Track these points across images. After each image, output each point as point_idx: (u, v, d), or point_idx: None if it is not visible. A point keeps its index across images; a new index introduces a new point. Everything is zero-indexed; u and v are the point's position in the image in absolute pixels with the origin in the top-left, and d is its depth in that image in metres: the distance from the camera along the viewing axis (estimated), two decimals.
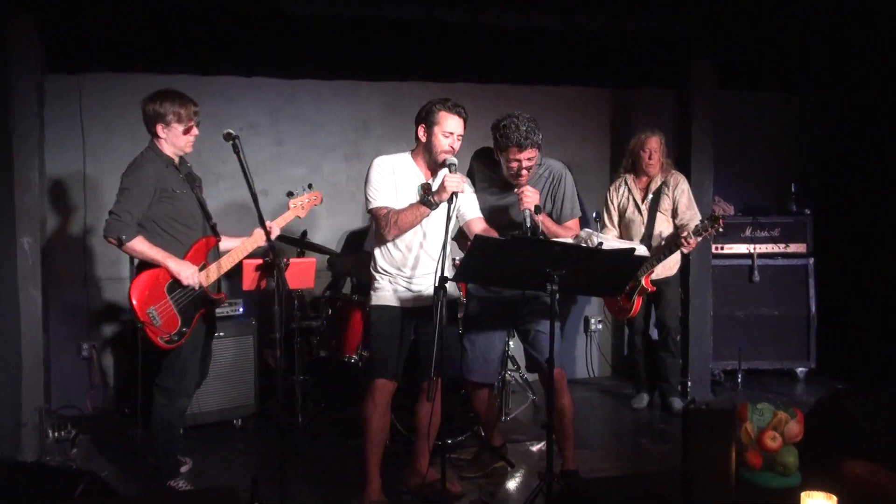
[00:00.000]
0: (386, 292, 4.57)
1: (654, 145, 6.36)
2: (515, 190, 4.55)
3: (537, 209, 4.50)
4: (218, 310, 5.94)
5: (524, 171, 4.56)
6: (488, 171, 4.81)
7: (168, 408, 4.71)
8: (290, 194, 4.99)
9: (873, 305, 7.36)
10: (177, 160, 4.69)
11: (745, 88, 7.80)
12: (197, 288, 4.62)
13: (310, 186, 5.06)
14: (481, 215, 4.70)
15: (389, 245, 4.54)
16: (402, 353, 4.57)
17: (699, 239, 5.79)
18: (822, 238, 7.62)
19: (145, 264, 4.52)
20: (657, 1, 6.15)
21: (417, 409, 4.77)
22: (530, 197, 4.45)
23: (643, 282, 5.93)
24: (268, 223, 4.53)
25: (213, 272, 4.72)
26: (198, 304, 4.67)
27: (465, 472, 5.21)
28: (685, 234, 5.75)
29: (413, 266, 4.54)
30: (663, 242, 6.12)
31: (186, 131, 4.64)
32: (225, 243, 4.88)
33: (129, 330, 6.48)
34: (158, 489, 4.71)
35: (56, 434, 5.59)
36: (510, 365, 6.45)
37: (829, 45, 6.76)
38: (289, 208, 4.95)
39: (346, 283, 6.78)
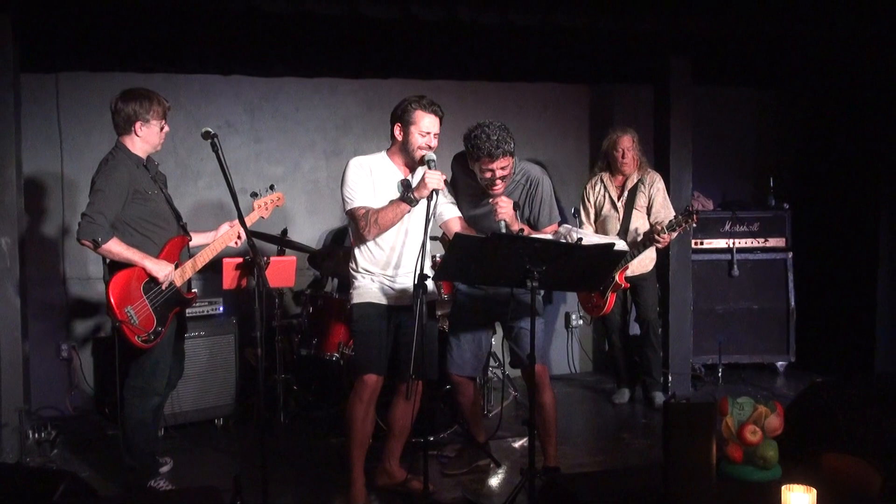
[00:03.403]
0: (368, 290, 4.54)
1: (626, 144, 6.38)
2: (490, 200, 4.53)
3: (515, 204, 4.51)
4: (198, 309, 5.98)
5: (498, 181, 4.54)
6: (467, 178, 4.77)
7: (140, 407, 4.71)
8: (255, 195, 5.08)
9: (852, 299, 7.42)
10: (145, 159, 4.69)
11: (722, 84, 7.85)
12: (178, 285, 4.63)
13: (272, 188, 5.12)
14: (460, 214, 4.69)
15: (370, 244, 4.51)
16: (386, 349, 4.56)
17: (674, 234, 5.82)
18: (801, 232, 7.67)
19: (119, 264, 4.50)
20: None
21: (393, 408, 4.76)
22: (504, 208, 4.44)
23: (617, 278, 5.94)
24: (235, 223, 4.69)
25: (188, 270, 4.74)
26: (172, 304, 4.68)
27: (449, 469, 5.21)
28: (658, 229, 5.77)
29: (396, 265, 4.52)
30: (639, 238, 6.14)
31: (162, 128, 4.68)
32: (195, 239, 4.91)
33: (109, 330, 6.46)
34: (139, 489, 4.69)
35: (36, 435, 5.55)
36: (492, 361, 6.45)
37: (805, 41, 6.79)
38: (254, 209, 4.99)
39: (328, 281, 6.77)
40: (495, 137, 4.41)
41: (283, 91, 7.11)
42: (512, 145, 4.48)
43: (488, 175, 4.52)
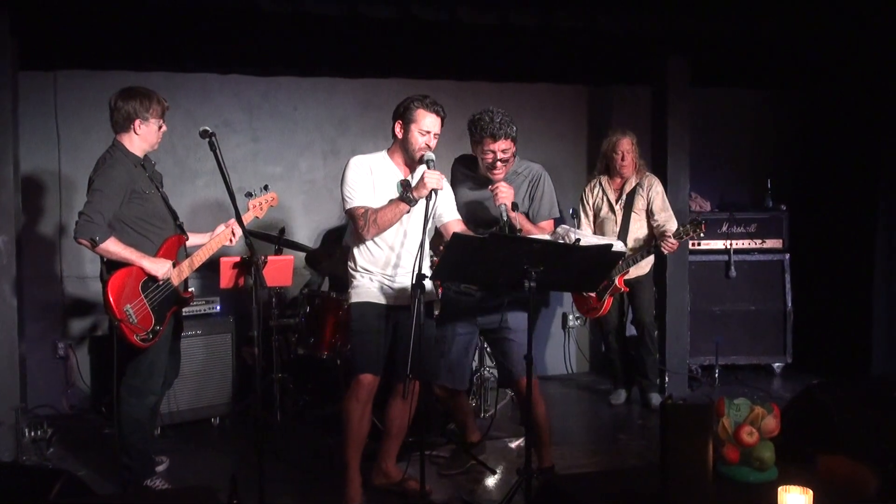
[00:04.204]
0: (366, 289, 4.53)
1: (626, 147, 6.37)
2: (490, 187, 4.56)
3: (514, 206, 4.52)
4: (195, 308, 5.98)
5: (499, 164, 4.60)
6: (468, 169, 4.87)
7: (137, 406, 4.70)
8: (249, 195, 5.07)
9: (848, 300, 7.40)
10: (142, 158, 4.68)
11: (720, 85, 7.85)
12: (175, 284, 4.62)
13: (266, 188, 5.13)
14: (459, 217, 4.69)
15: (369, 244, 4.50)
16: (384, 348, 4.55)
17: (680, 241, 5.84)
18: (798, 234, 7.67)
19: (117, 263, 4.49)
20: None
21: (389, 408, 4.76)
22: (505, 192, 4.49)
23: (616, 282, 5.94)
24: (232, 222, 4.74)
25: (185, 269, 4.73)
26: (170, 303, 4.67)
27: (444, 470, 5.21)
28: (668, 235, 5.79)
29: (395, 265, 4.51)
30: (642, 243, 6.15)
31: (160, 127, 4.68)
32: (192, 240, 4.90)
33: (105, 328, 6.45)
34: (135, 488, 4.69)
35: (32, 433, 5.54)
36: (488, 361, 6.44)
37: (803, 42, 6.80)
38: (248, 209, 5.00)
39: (325, 280, 6.76)
40: (498, 120, 4.54)
41: (282, 90, 7.11)
42: (514, 130, 4.59)
43: (489, 157, 4.59)
